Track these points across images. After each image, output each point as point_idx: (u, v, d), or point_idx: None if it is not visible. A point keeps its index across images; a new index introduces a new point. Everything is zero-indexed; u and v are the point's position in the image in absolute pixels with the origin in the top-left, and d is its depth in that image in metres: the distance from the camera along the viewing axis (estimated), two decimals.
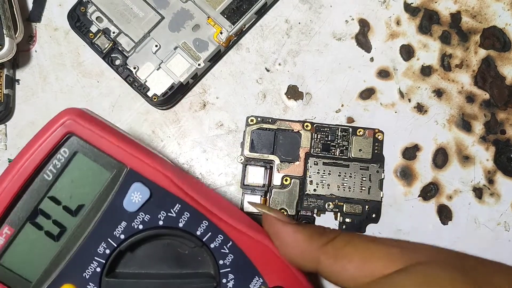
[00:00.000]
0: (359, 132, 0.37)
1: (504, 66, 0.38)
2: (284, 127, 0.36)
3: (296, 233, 0.26)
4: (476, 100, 0.38)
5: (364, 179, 0.36)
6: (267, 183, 0.36)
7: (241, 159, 0.36)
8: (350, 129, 0.37)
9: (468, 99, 0.38)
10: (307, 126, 0.37)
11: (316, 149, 0.36)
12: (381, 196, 0.36)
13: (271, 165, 0.36)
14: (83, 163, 0.28)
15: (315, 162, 0.36)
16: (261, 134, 0.36)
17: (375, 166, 0.36)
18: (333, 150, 0.37)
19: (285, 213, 0.35)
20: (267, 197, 0.36)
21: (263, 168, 0.36)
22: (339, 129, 0.37)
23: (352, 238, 0.25)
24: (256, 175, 0.36)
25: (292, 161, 0.36)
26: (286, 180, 0.36)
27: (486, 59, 0.38)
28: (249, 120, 0.37)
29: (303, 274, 0.31)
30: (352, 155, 0.36)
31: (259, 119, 0.37)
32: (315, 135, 0.37)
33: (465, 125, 0.37)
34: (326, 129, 0.37)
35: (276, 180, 0.36)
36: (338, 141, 0.37)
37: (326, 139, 0.37)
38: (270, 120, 0.37)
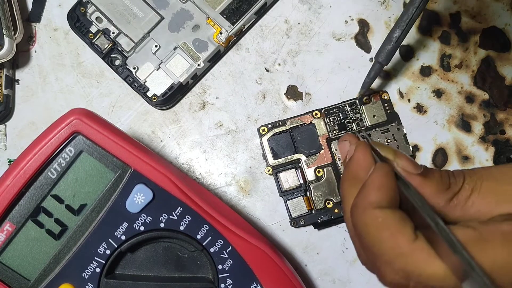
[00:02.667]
0: (366, 100, 0.37)
1: (504, 66, 0.38)
2: (296, 124, 0.36)
3: (422, 188, 0.23)
4: (476, 100, 0.38)
5: (389, 140, 0.36)
6: (302, 181, 0.36)
7: (269, 170, 0.36)
8: (357, 101, 0.37)
9: (467, 100, 0.38)
10: (316, 114, 0.36)
11: (334, 131, 0.36)
12: (411, 150, 0.36)
13: (299, 164, 0.36)
14: (88, 163, 0.28)
15: (345, 138, 0.36)
16: (277, 139, 0.36)
17: (394, 125, 0.37)
18: (350, 126, 0.37)
19: (331, 202, 0.35)
20: (309, 195, 0.36)
21: (293, 170, 0.36)
22: (347, 105, 0.37)
23: (476, 184, 0.23)
24: (289, 178, 0.36)
25: (317, 152, 0.36)
26: (318, 172, 0.36)
27: (485, 60, 0.38)
28: (260, 130, 0.36)
29: (301, 283, 0.31)
30: (369, 123, 0.37)
31: (269, 126, 0.36)
32: (327, 119, 0.37)
33: (464, 125, 0.37)
34: (334, 109, 0.37)
35: (310, 175, 0.36)
36: (351, 116, 0.37)
37: (338, 119, 0.37)
38: (279, 122, 0.36)
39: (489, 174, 0.23)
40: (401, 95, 0.38)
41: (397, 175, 0.23)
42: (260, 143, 0.36)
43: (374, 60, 0.34)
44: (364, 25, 0.39)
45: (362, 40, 0.39)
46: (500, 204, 0.22)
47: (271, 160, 0.36)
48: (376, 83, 0.38)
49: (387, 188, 0.22)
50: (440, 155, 0.37)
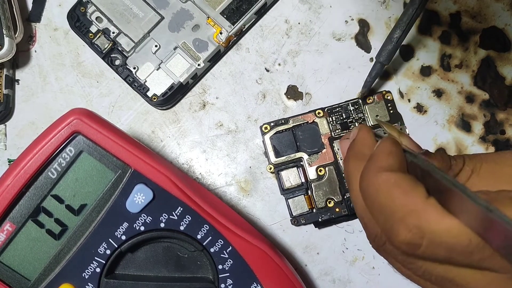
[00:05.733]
0: (369, 100, 0.37)
1: (504, 67, 0.38)
2: (298, 122, 0.36)
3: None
4: (476, 100, 0.38)
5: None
6: (304, 180, 0.36)
7: (270, 168, 0.36)
8: (360, 100, 0.37)
9: (467, 99, 0.38)
10: (319, 113, 0.36)
11: (337, 131, 0.36)
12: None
13: (301, 162, 0.36)
14: (88, 163, 0.28)
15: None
16: (280, 137, 0.36)
17: (397, 125, 0.37)
18: (352, 125, 0.37)
19: (332, 201, 0.35)
20: (310, 194, 0.36)
21: (295, 168, 0.36)
22: (350, 104, 0.37)
23: (475, 166, 0.23)
24: (291, 177, 0.36)
25: (319, 151, 0.36)
26: (320, 170, 0.36)
27: (485, 59, 0.38)
28: (263, 128, 0.36)
29: (301, 283, 0.31)
30: (372, 123, 0.36)
31: (272, 124, 0.36)
32: (330, 118, 0.37)
33: (464, 125, 0.38)
34: (337, 109, 0.37)
35: (312, 174, 0.36)
36: (354, 116, 0.37)
37: (341, 118, 0.37)
38: (282, 121, 0.36)
39: (489, 157, 0.24)
40: (401, 95, 0.38)
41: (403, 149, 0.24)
42: (263, 141, 0.36)
43: (375, 60, 0.34)
44: (364, 25, 0.39)
45: (362, 40, 0.39)
46: (499, 186, 0.22)
47: (273, 158, 0.36)
48: (376, 83, 0.38)
49: (397, 154, 0.23)
50: None
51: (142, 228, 0.28)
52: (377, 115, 0.37)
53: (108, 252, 0.28)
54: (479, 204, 0.18)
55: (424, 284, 0.22)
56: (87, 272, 0.28)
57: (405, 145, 0.24)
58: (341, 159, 0.36)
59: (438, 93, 0.38)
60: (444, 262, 0.20)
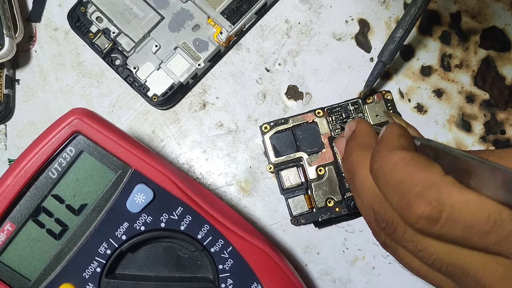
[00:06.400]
0: (369, 100, 0.37)
1: (504, 66, 0.38)
2: (298, 122, 0.36)
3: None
4: (476, 100, 0.38)
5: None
6: (303, 180, 0.36)
7: (270, 168, 0.36)
8: (360, 100, 0.37)
9: (468, 99, 0.38)
10: (319, 113, 0.36)
11: (336, 130, 0.36)
12: None
13: (301, 162, 0.36)
14: (89, 163, 0.28)
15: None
16: (280, 137, 0.36)
17: None
18: None
19: (332, 201, 0.35)
20: (310, 193, 0.36)
21: (295, 168, 0.36)
22: (350, 104, 0.37)
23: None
24: (291, 176, 0.36)
25: (319, 151, 0.36)
26: (320, 170, 0.36)
27: (486, 59, 0.38)
28: (263, 128, 0.36)
29: (301, 283, 0.31)
30: (371, 123, 0.36)
31: (272, 123, 0.36)
32: (330, 118, 0.37)
33: (465, 125, 0.38)
34: (337, 108, 0.37)
35: (311, 173, 0.36)
36: (353, 115, 0.37)
37: (341, 117, 0.37)
38: (282, 120, 0.36)
39: (495, 153, 0.23)
40: (401, 95, 0.38)
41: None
42: (262, 140, 0.36)
43: (377, 59, 0.34)
44: (364, 25, 0.39)
45: (362, 40, 0.39)
46: None
47: (273, 158, 0.36)
48: (377, 83, 0.38)
49: (406, 136, 0.22)
50: None
51: (143, 228, 0.28)
52: (377, 115, 0.37)
53: (108, 252, 0.28)
54: (501, 170, 0.17)
55: (433, 277, 0.21)
56: (88, 272, 0.28)
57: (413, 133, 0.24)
58: (340, 159, 0.36)
59: (438, 93, 0.38)
60: (459, 244, 0.19)
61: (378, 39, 0.38)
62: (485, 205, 0.18)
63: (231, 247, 0.29)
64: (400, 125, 0.23)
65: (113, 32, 0.37)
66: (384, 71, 0.37)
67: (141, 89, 0.37)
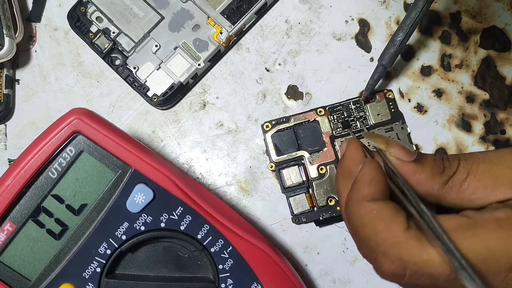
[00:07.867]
0: (371, 99, 0.37)
1: (504, 66, 0.38)
2: (300, 121, 0.36)
3: (416, 174, 0.24)
4: (476, 100, 0.38)
5: (393, 139, 0.36)
6: (305, 178, 0.36)
7: (272, 167, 0.36)
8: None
9: (468, 99, 0.38)
10: (320, 111, 0.36)
11: (338, 129, 0.36)
12: (414, 149, 0.35)
13: (302, 160, 0.36)
14: (89, 163, 0.28)
15: (342, 142, 0.36)
16: (281, 136, 0.36)
17: (398, 124, 0.37)
18: (354, 124, 0.37)
19: (333, 200, 0.35)
20: (311, 192, 0.36)
21: (296, 166, 0.36)
22: (351, 103, 0.37)
23: (472, 168, 0.23)
24: (292, 175, 0.36)
25: (320, 149, 0.36)
26: (321, 169, 0.36)
27: (486, 59, 0.38)
28: (264, 126, 0.36)
29: (301, 283, 0.31)
30: (373, 122, 0.36)
31: (273, 122, 0.36)
32: (331, 117, 0.37)
33: (465, 125, 0.38)
34: (339, 107, 0.37)
35: (313, 172, 0.36)
36: (355, 114, 0.37)
37: (342, 116, 0.37)
38: (283, 119, 0.36)
39: (486, 157, 0.24)
40: (401, 94, 0.38)
41: (387, 167, 0.24)
42: (264, 139, 0.36)
43: (377, 63, 0.34)
44: (364, 25, 0.39)
45: (362, 40, 0.39)
46: (497, 187, 0.22)
47: (274, 157, 0.36)
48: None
49: (377, 181, 0.23)
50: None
51: (143, 228, 0.28)
52: (378, 114, 0.37)
53: (108, 252, 0.28)
54: (444, 246, 0.19)
55: None
56: (88, 272, 0.28)
57: (394, 157, 0.24)
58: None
59: (438, 93, 0.38)
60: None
61: (378, 39, 0.38)
62: (447, 260, 0.19)
63: (231, 247, 0.29)
64: (373, 167, 0.24)
65: (113, 32, 0.37)
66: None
67: (141, 89, 0.37)
